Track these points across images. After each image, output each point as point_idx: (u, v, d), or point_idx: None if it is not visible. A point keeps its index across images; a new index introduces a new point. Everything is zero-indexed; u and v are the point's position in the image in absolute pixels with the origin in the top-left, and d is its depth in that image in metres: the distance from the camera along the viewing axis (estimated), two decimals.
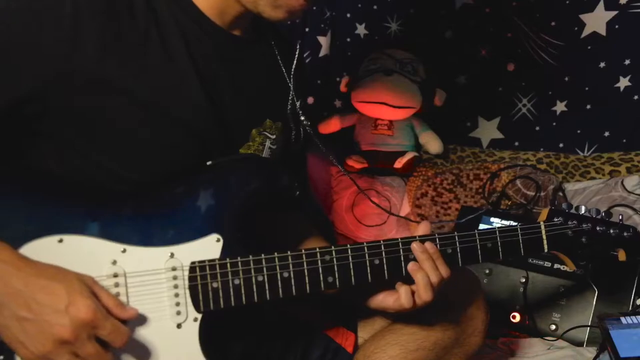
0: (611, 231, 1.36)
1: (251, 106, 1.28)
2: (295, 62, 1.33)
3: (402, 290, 1.20)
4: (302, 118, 1.34)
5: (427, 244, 1.20)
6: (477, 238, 1.26)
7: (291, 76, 1.33)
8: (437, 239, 1.22)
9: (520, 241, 1.29)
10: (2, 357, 1.02)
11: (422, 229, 1.24)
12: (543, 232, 1.32)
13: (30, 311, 0.95)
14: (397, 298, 1.21)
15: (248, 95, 1.27)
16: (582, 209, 1.37)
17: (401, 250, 1.21)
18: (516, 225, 1.30)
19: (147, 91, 1.11)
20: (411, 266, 1.19)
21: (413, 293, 1.20)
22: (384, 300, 1.24)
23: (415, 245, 1.20)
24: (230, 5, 1.19)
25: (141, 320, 1.08)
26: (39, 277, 0.97)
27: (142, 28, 1.11)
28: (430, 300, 1.19)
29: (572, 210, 1.37)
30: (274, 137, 1.31)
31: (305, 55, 2.80)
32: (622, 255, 1.37)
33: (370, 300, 1.26)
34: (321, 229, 2.41)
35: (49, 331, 0.95)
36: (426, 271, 1.19)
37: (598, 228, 1.36)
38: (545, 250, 1.32)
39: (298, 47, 1.34)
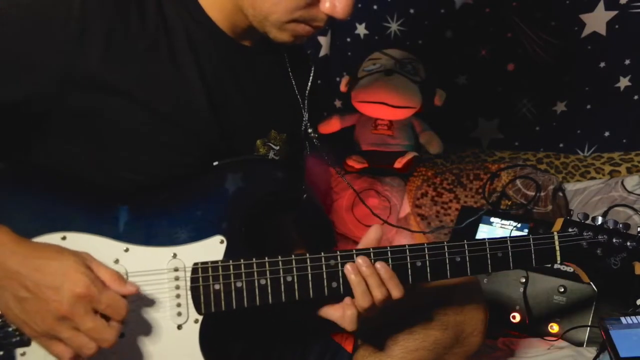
0: (628, 244, 1.32)
1: (257, 117, 1.28)
2: (309, 84, 1.34)
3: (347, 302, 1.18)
4: (310, 131, 1.35)
5: (360, 260, 1.16)
6: (488, 247, 1.24)
7: (305, 97, 1.33)
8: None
9: (532, 252, 1.27)
10: (1, 352, 1.02)
11: (373, 236, 1.21)
12: (556, 243, 1.29)
13: (28, 291, 0.97)
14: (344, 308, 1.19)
15: (255, 105, 1.27)
16: (599, 220, 1.33)
17: (408, 257, 1.19)
18: (528, 236, 1.27)
19: (150, 96, 1.11)
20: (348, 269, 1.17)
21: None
22: (328, 312, 1.22)
23: (349, 267, 1.16)
24: (241, 18, 1.19)
25: (141, 320, 1.08)
26: (34, 257, 0.99)
27: (151, 33, 1.12)
28: (368, 305, 1.16)
29: (588, 221, 1.33)
30: (277, 148, 1.31)
31: None
32: (638, 269, 1.33)
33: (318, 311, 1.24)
34: (321, 229, 2.42)
35: (46, 308, 0.97)
36: (370, 289, 1.16)
37: (614, 240, 1.32)
38: (559, 262, 1.29)
39: (312, 69, 1.35)
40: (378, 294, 1.16)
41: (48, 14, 1.04)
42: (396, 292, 1.18)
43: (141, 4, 1.11)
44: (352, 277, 1.16)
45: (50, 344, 1.00)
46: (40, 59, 1.04)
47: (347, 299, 1.18)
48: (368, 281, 1.16)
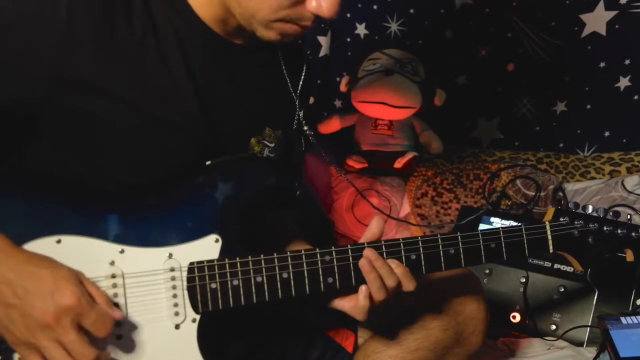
0: (619, 231, 1.33)
1: (251, 115, 1.27)
2: (301, 82, 1.34)
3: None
4: (306, 128, 1.34)
5: (368, 252, 1.17)
6: (481, 239, 1.24)
7: (297, 92, 1.33)
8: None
9: (525, 241, 1.27)
10: (0, 357, 1.02)
11: (375, 229, 1.21)
12: (548, 232, 1.29)
13: (17, 297, 0.96)
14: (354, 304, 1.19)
15: (248, 103, 1.27)
16: (590, 209, 1.34)
17: (402, 250, 1.20)
18: (520, 225, 1.28)
19: (140, 97, 1.11)
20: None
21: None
22: (341, 304, 1.22)
23: (364, 264, 1.16)
24: (230, 17, 1.18)
25: (139, 321, 1.08)
26: (28, 264, 0.99)
27: (138, 34, 1.11)
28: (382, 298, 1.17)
29: (579, 210, 1.34)
30: (272, 145, 1.30)
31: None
32: (630, 256, 1.34)
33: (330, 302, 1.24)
34: (320, 227, 2.42)
35: (32, 315, 0.96)
36: (381, 276, 1.17)
37: (605, 228, 1.32)
38: (551, 251, 1.29)
39: (305, 67, 1.35)
40: (390, 283, 1.16)
41: (35, 15, 1.04)
42: (409, 285, 1.18)
43: (128, 4, 1.11)
44: (369, 276, 1.16)
45: (27, 353, 0.99)
46: (29, 61, 1.04)
47: (364, 290, 1.17)
48: (380, 272, 1.16)
